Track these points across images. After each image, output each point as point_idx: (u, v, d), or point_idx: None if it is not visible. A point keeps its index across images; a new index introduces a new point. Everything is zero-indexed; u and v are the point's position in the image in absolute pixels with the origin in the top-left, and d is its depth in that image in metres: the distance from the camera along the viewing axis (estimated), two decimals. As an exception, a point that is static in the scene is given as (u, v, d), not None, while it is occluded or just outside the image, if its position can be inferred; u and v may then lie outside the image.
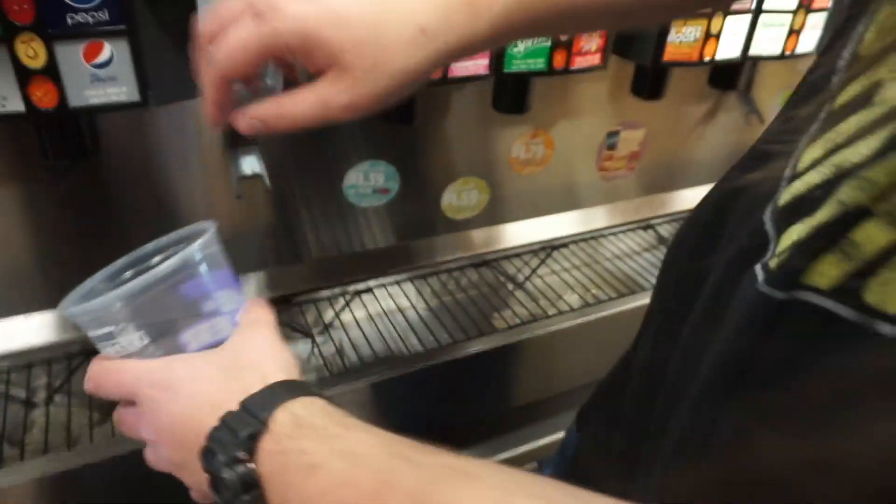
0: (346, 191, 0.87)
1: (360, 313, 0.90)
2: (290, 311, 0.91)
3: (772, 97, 1.10)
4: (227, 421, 0.34)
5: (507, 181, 0.98)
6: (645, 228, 1.13)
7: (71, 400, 0.73)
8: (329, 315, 0.89)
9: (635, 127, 1.04)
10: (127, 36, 0.53)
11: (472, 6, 0.38)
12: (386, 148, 0.86)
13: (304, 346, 0.89)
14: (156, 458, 0.39)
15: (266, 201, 0.84)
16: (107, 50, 0.52)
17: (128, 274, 0.42)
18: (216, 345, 0.40)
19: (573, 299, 0.94)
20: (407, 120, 0.72)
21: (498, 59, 0.67)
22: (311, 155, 0.83)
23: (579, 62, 0.71)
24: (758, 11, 0.80)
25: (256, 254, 0.88)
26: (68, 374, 0.74)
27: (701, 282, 0.35)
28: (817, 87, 0.32)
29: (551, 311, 0.89)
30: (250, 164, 0.76)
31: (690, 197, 1.18)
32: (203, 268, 0.40)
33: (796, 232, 0.27)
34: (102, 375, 0.39)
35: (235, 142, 0.76)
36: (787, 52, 0.85)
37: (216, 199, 0.81)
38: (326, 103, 0.38)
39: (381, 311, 0.91)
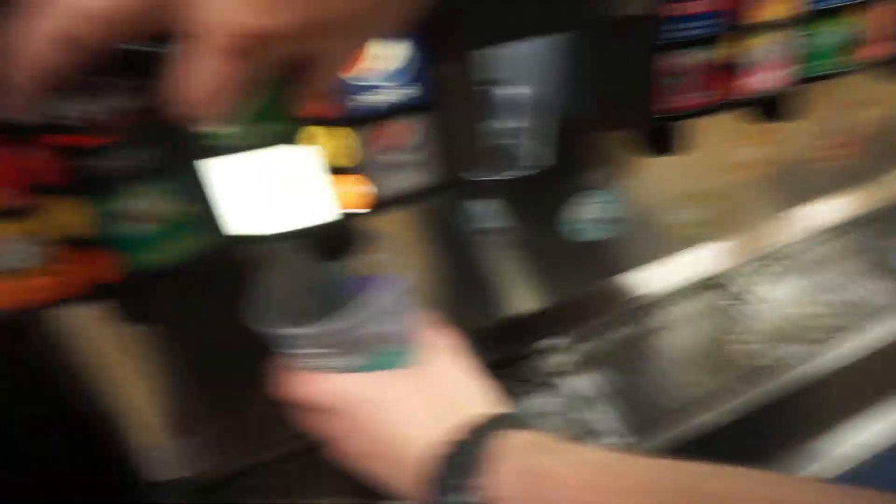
0: (568, 225, 0.78)
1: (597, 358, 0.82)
2: (520, 365, 0.83)
3: None
4: (452, 449, 0.36)
5: (729, 191, 0.87)
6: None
7: None
8: (561, 363, 0.81)
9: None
10: (428, 113, 0.45)
11: None
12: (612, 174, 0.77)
13: (541, 400, 0.81)
14: (351, 458, 0.41)
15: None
16: (412, 131, 0.45)
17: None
18: (407, 365, 0.43)
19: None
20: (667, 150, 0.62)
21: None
22: (529, 191, 0.74)
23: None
24: None
25: (471, 309, 0.80)
26: None
27: None
28: None
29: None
30: (489, 216, 0.68)
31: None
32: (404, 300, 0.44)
33: None
34: (307, 384, 0.41)
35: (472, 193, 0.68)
36: None
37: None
38: None
39: (617, 352, 0.82)
